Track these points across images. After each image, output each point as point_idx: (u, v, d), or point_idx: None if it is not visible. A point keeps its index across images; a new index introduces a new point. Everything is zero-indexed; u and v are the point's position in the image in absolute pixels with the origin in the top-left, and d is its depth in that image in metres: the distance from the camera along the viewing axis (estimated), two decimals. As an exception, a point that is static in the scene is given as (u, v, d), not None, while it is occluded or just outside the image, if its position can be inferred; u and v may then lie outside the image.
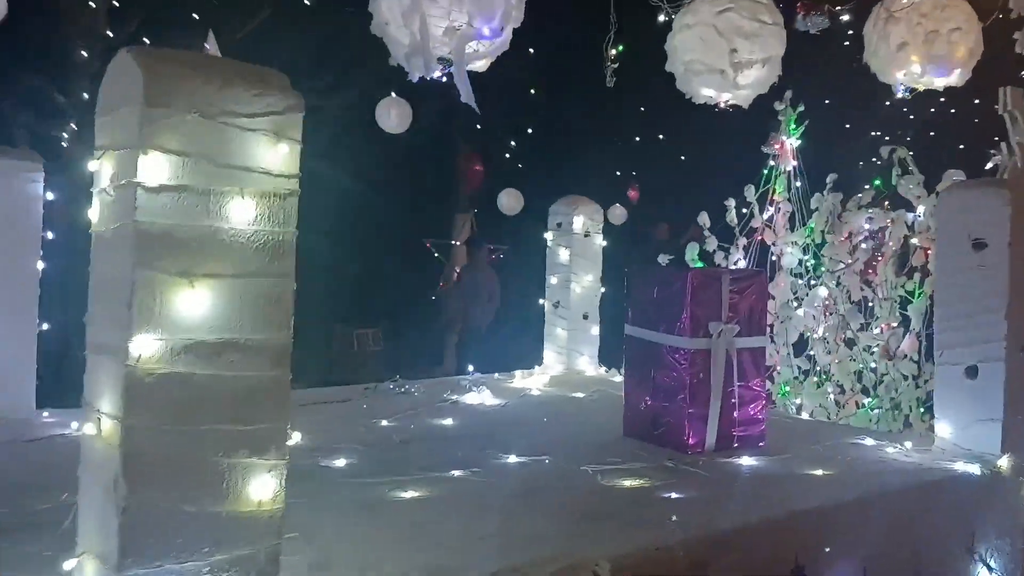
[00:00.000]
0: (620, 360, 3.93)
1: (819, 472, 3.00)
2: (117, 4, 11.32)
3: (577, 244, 5.06)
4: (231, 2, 11.52)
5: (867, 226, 5.21)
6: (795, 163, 5.03)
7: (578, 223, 5.05)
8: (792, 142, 5.03)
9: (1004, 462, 3.08)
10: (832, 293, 5.09)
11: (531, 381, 4.68)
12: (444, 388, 4.33)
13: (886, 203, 5.21)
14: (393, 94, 10.85)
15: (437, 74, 3.15)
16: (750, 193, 5.01)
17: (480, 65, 3.29)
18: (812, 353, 5.07)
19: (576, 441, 3.40)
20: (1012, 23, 5.18)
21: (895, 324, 4.94)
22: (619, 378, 4.29)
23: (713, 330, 3.24)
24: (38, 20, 10.67)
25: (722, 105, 4.04)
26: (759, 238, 5.02)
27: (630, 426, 3.50)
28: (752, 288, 3.36)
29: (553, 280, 5.14)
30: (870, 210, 5.16)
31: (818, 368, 4.95)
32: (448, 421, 3.67)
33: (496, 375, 4.84)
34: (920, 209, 4.90)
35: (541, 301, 5.20)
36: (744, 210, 5.08)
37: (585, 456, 3.09)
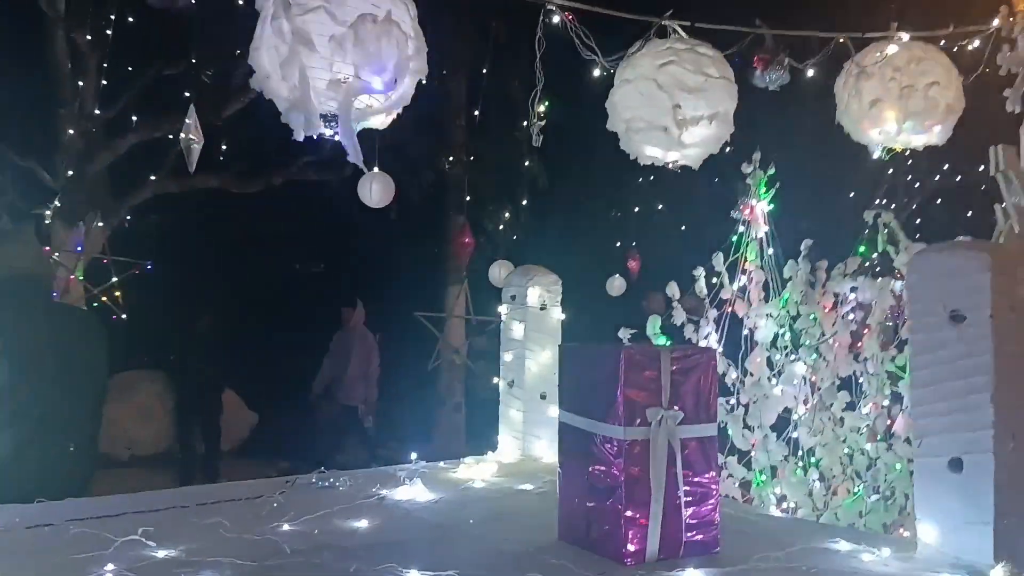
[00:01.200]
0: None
1: (776, 590, 2.52)
2: (106, 83, 11.34)
3: (532, 318, 4.66)
4: (221, 82, 11.50)
5: (852, 296, 4.79)
6: (766, 228, 4.65)
7: (533, 295, 4.66)
8: (763, 206, 4.66)
9: (998, 574, 2.58)
10: (815, 368, 4.65)
11: (477, 470, 4.21)
12: (375, 481, 3.87)
13: (898, 273, 4.80)
14: (376, 168, 10.66)
15: (328, 133, 2.82)
16: (719, 262, 4.62)
17: (378, 122, 2.96)
18: (796, 436, 4.60)
19: (499, 549, 2.94)
20: (1001, 78, 4.85)
21: (884, 403, 4.48)
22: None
23: (652, 417, 2.80)
24: (26, 99, 10.68)
25: (670, 166, 3.69)
26: (729, 309, 4.60)
27: (565, 529, 3.04)
28: (700, 367, 2.93)
29: (507, 357, 4.72)
30: (856, 278, 4.75)
31: (800, 452, 4.46)
32: (362, 524, 3.21)
33: (442, 463, 4.38)
34: (910, 277, 4.48)
35: (495, 380, 4.78)
36: (714, 280, 4.68)
37: (501, 570, 2.63)
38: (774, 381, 4.54)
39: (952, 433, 2.74)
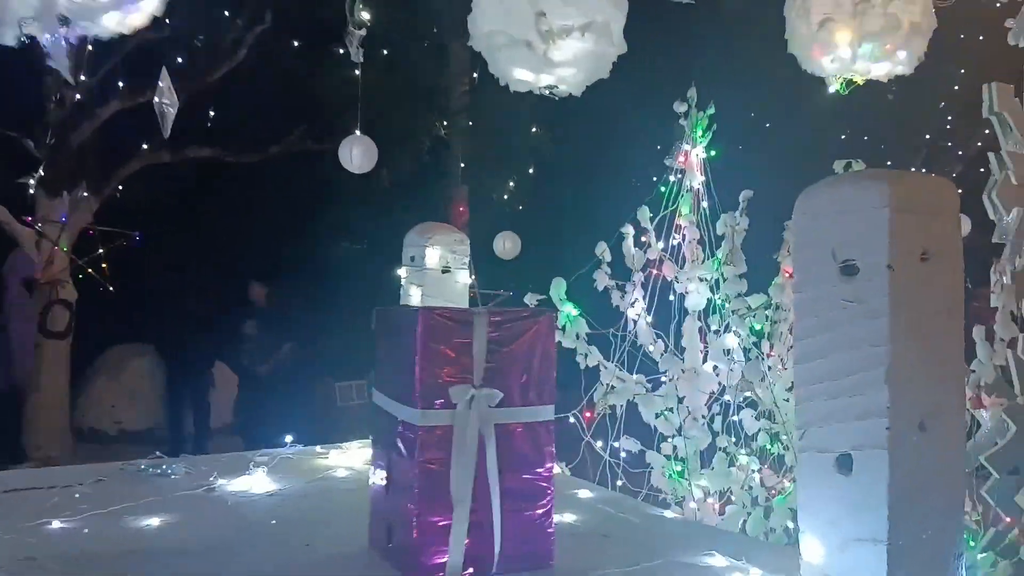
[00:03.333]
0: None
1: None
2: (91, 48, 10.98)
3: (433, 282, 4.08)
4: (209, 47, 11.10)
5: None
6: (702, 178, 3.98)
7: (433, 256, 4.08)
8: (699, 152, 3.99)
9: (890, 608, 1.95)
10: (771, 340, 4.00)
11: (351, 456, 3.68)
12: (219, 468, 3.35)
13: None
14: (357, 131, 10.10)
15: (49, 38, 2.27)
16: (645, 217, 3.98)
17: (116, 22, 2.39)
18: (738, 419, 3.96)
19: (281, 560, 2.39)
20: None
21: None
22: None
23: (456, 397, 2.22)
24: (9, 67, 10.42)
25: (544, 92, 3.06)
26: (655, 272, 3.96)
27: (373, 534, 2.48)
28: (529, 335, 2.32)
29: (405, 327, 4.15)
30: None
31: (735, 438, 3.82)
32: (152, 522, 2.70)
33: (318, 448, 3.86)
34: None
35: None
36: (643, 238, 4.04)
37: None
38: (706, 355, 3.90)
39: (841, 422, 2.10)
